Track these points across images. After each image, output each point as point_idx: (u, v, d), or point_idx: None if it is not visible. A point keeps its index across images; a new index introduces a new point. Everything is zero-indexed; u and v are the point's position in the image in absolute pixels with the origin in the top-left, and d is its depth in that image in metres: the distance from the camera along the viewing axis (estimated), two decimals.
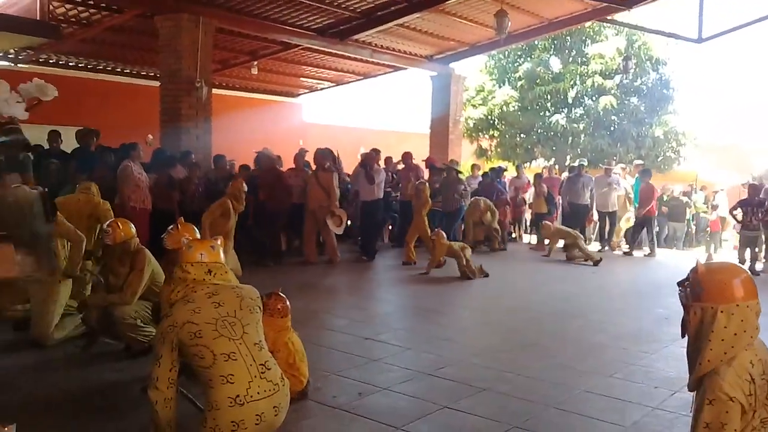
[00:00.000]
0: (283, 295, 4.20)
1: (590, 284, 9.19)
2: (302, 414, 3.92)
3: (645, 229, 12.53)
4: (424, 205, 9.78)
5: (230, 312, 2.81)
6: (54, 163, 8.47)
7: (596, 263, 10.54)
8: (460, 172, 12.05)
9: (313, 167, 10.17)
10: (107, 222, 4.95)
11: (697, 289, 2.31)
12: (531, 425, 3.87)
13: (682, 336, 2.43)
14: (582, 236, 11.53)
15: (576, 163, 13.76)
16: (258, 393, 2.67)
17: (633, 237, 12.67)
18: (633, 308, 7.51)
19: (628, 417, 4.05)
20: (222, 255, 3.10)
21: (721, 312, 2.24)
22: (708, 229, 16.46)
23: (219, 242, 3.13)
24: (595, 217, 13.26)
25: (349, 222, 11.03)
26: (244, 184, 8.11)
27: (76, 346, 5.11)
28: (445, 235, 9.15)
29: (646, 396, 4.45)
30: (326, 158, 9.81)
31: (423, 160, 12.87)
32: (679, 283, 2.40)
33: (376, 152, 11.53)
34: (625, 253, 12.51)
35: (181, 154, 9.57)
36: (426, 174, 12.26)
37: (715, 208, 16.44)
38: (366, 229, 10.71)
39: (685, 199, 16.09)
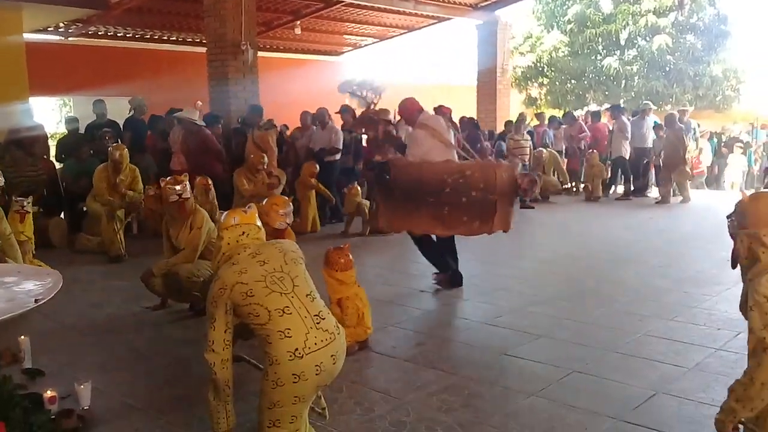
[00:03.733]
0: (346, 250, 4.29)
1: (651, 230, 9.01)
2: (364, 363, 4.01)
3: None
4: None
5: (276, 267, 2.87)
6: (108, 131, 8.69)
7: None
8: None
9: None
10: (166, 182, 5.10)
11: (741, 218, 2.30)
12: (591, 369, 3.87)
13: (733, 267, 2.42)
14: None
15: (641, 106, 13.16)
16: (315, 344, 2.73)
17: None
18: (695, 252, 7.34)
19: (690, 359, 4.01)
20: (256, 217, 3.14)
21: (765, 236, 2.23)
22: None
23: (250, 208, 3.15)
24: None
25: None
26: (266, 158, 8.11)
27: (145, 307, 5.31)
28: (358, 191, 8.81)
29: (708, 338, 4.39)
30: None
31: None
32: (728, 216, 2.38)
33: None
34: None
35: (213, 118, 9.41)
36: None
37: None
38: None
39: (745, 138, 15.46)
